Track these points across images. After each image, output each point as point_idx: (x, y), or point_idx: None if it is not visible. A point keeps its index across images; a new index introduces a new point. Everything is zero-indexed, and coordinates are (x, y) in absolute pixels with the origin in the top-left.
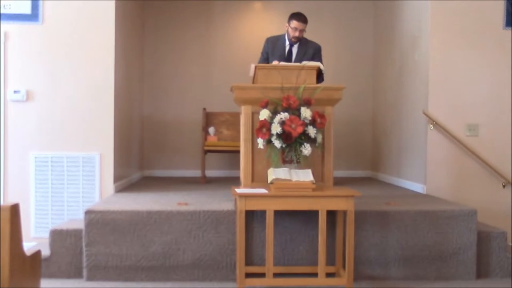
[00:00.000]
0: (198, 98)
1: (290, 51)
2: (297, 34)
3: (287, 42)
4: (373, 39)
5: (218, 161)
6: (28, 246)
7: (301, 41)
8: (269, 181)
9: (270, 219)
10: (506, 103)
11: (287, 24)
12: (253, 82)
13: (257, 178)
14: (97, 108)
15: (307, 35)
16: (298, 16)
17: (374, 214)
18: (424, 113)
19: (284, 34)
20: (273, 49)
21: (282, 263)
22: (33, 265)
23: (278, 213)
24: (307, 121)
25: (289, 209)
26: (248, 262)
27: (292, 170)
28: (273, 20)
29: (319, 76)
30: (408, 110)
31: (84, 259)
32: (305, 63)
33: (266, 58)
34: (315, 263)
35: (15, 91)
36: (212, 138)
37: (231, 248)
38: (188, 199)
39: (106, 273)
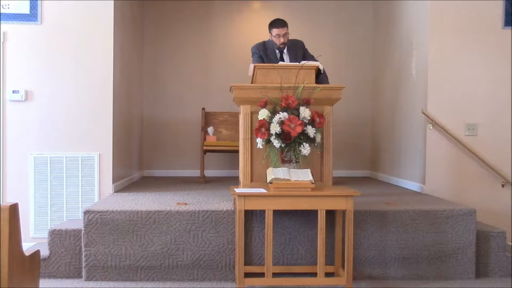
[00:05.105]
0: (197, 98)
1: (281, 57)
2: (282, 40)
3: (277, 51)
4: (373, 39)
5: (217, 161)
6: (27, 246)
7: (287, 43)
8: (268, 181)
9: (269, 218)
10: (505, 102)
11: (270, 34)
12: (252, 82)
13: (256, 178)
14: (96, 108)
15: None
16: (276, 23)
17: (374, 213)
18: (423, 113)
19: (269, 40)
20: (265, 55)
21: (281, 262)
22: (32, 265)
23: (277, 213)
24: (306, 121)
25: (288, 209)
26: (247, 261)
27: (291, 169)
28: None
29: (319, 75)
30: (407, 109)
31: (83, 259)
32: (304, 63)
33: (260, 56)
34: (314, 262)
35: (13, 91)
36: (211, 138)
37: (230, 247)
38: (187, 199)
39: (105, 273)
